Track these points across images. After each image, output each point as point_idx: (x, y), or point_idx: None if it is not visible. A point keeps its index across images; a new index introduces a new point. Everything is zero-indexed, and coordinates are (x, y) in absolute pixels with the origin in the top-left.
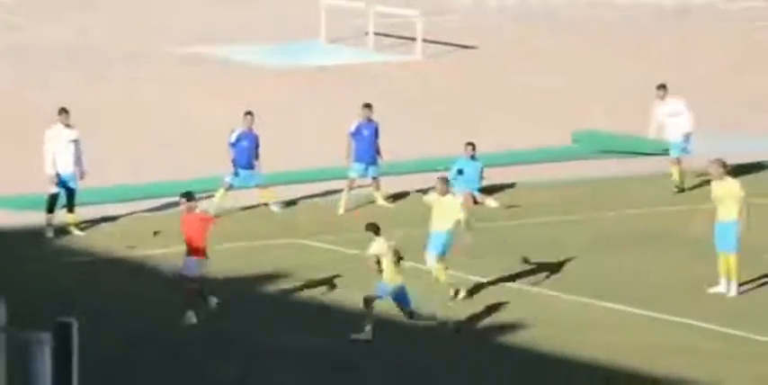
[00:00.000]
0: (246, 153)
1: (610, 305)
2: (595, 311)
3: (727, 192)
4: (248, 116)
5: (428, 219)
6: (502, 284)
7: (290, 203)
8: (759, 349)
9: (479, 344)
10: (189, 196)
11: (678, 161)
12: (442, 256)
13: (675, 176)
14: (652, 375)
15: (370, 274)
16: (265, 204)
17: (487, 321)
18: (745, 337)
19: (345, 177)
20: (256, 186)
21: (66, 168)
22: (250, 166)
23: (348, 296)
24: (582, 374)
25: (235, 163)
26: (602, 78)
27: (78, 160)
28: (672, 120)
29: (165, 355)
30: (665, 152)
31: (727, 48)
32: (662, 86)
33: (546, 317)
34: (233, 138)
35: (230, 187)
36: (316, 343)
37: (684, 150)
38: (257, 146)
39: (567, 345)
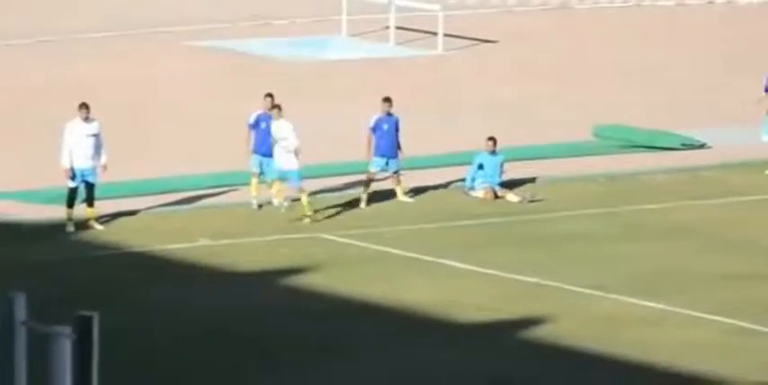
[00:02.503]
0: (265, 137)
1: (634, 300)
2: (621, 306)
3: None
4: (268, 98)
5: (447, 215)
6: (525, 279)
7: (299, 199)
8: None
9: (502, 338)
10: None
11: (271, 184)
12: None
13: (277, 199)
14: (683, 372)
15: (392, 268)
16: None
17: (510, 315)
18: None
19: (366, 171)
20: (278, 177)
21: (86, 162)
22: (269, 154)
23: (369, 290)
24: (608, 369)
25: (254, 150)
26: (624, 72)
27: (98, 154)
28: (281, 142)
29: (184, 349)
30: (687, 146)
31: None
32: (275, 107)
33: (569, 312)
34: (251, 120)
35: (260, 174)
36: (341, 335)
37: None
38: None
39: (592, 340)
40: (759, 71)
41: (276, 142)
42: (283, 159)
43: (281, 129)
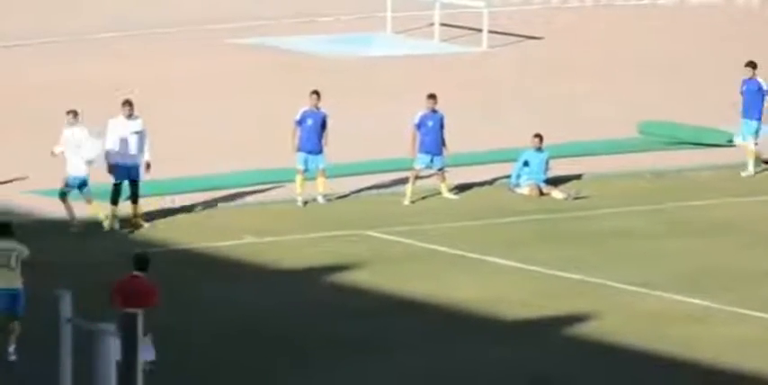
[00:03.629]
0: (311, 134)
1: (679, 297)
2: (666, 303)
3: None
4: (314, 95)
5: (492, 212)
6: (569, 276)
7: (344, 195)
8: None
9: (546, 335)
10: None
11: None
12: None
13: (101, 216)
14: (728, 369)
15: (436, 265)
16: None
17: (555, 312)
18: None
19: (410, 168)
20: (320, 172)
21: (130, 160)
22: (315, 151)
23: (414, 287)
24: (653, 366)
25: (299, 147)
26: (668, 69)
27: (142, 151)
28: (76, 150)
29: (229, 345)
30: (733, 143)
31: None
32: (71, 112)
33: (614, 309)
34: (297, 116)
35: (305, 171)
36: (386, 332)
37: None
38: (324, 126)
39: (637, 337)
40: None
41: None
42: (77, 167)
43: (76, 135)
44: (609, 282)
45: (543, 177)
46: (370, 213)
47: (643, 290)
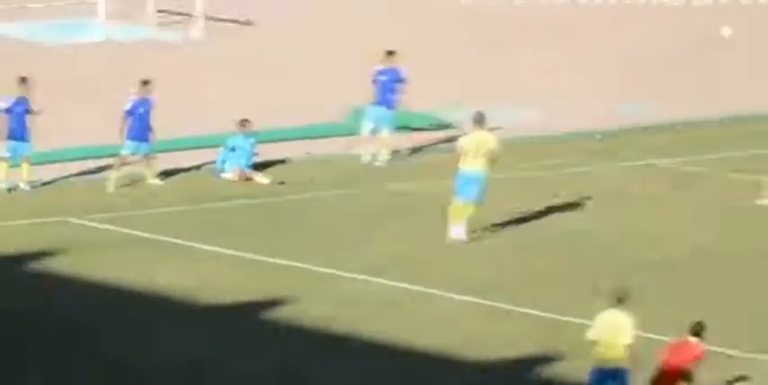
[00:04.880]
0: (17, 123)
1: (381, 280)
2: (364, 286)
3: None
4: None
5: (196, 198)
6: (275, 261)
7: (48, 182)
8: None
9: (243, 320)
10: None
11: None
12: None
13: None
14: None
15: (140, 252)
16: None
17: (256, 296)
18: None
19: (117, 155)
20: (24, 158)
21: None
22: (20, 138)
23: (118, 274)
24: (344, 349)
25: (8, 136)
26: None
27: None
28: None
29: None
30: (435, 126)
31: None
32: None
33: (314, 292)
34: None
35: (11, 158)
36: (89, 320)
37: None
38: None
39: (335, 321)
40: None
41: None
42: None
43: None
44: (312, 267)
45: (249, 162)
46: (74, 200)
47: (341, 273)
